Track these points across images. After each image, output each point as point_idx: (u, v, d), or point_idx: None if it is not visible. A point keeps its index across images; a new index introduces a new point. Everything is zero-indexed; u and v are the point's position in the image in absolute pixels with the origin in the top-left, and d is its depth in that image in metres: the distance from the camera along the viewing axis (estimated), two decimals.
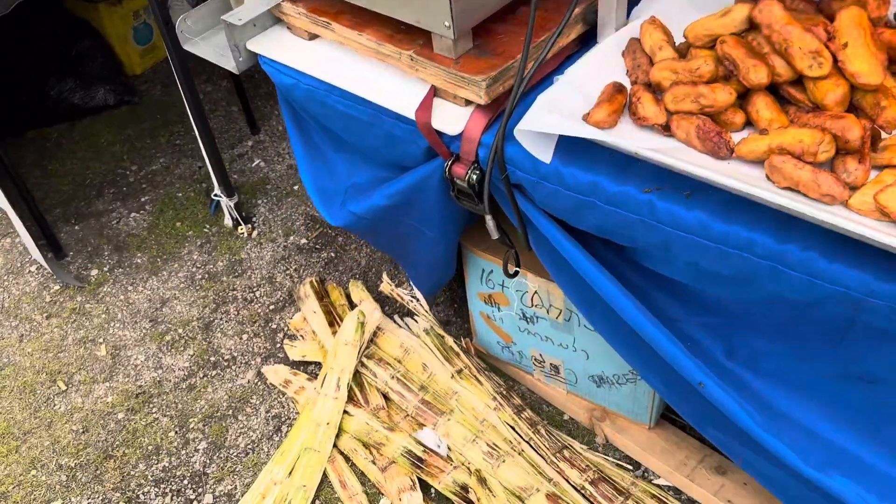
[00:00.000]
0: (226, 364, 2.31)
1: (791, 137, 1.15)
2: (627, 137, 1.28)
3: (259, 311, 2.45)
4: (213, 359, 2.33)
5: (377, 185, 1.73)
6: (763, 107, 1.23)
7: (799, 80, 1.22)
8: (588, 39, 1.55)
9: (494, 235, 1.52)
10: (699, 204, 1.23)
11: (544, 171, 1.37)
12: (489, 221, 1.50)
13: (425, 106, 1.46)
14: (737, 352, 1.41)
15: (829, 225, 1.08)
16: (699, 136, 1.22)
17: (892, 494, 1.26)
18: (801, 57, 1.18)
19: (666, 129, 1.28)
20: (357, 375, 2.12)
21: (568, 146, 1.35)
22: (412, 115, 1.47)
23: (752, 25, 1.26)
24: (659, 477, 1.91)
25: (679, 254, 1.28)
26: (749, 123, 1.26)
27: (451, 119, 1.46)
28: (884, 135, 1.20)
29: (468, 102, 1.46)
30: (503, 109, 1.40)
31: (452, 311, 2.37)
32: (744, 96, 1.27)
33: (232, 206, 2.62)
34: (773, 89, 1.26)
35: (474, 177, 1.46)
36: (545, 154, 1.35)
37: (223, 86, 3.33)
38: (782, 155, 1.14)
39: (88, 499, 2.03)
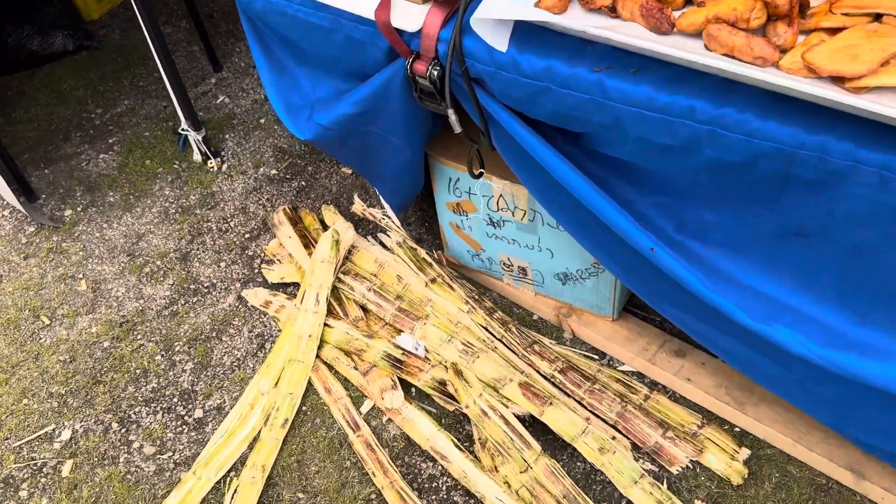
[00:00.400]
0: (206, 291, 2.38)
1: (726, 6, 1.23)
2: (577, 20, 1.35)
3: (235, 239, 2.51)
4: (192, 286, 2.39)
5: (341, 97, 1.79)
6: None
7: None
8: None
9: (457, 129, 1.59)
10: (645, 79, 1.31)
11: (501, 60, 1.43)
12: (451, 115, 1.57)
13: (384, 5, 1.52)
14: (686, 226, 1.51)
15: (762, 83, 1.17)
16: (643, 14, 1.30)
17: (830, 340, 1.38)
18: None
19: (612, 11, 1.35)
20: (335, 291, 2.20)
21: (522, 35, 1.42)
22: (372, 16, 1.52)
23: None
24: (623, 364, 2.03)
25: (629, 130, 1.37)
26: (689, 2, 1.34)
27: (409, 16, 1.51)
28: (813, 3, 1.29)
29: (425, 0, 1.52)
30: (459, 5, 1.46)
31: (424, 230, 2.45)
32: None
33: (200, 140, 2.65)
34: None
35: (435, 73, 1.53)
36: (501, 43, 1.42)
37: (182, 27, 3.32)
38: (718, 24, 1.23)
39: (81, 421, 2.10)
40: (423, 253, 2.24)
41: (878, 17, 1.22)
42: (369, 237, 2.38)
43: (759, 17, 1.22)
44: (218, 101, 2.99)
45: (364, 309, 2.18)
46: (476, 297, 2.17)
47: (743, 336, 1.49)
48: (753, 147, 1.23)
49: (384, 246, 2.32)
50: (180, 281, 2.41)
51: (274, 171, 2.70)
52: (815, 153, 1.19)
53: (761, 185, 1.30)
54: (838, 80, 1.15)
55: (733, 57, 1.22)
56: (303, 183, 2.65)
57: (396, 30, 1.53)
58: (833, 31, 1.22)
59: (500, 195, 1.95)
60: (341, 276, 2.22)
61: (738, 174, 1.30)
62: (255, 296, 2.31)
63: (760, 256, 1.43)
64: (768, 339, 1.39)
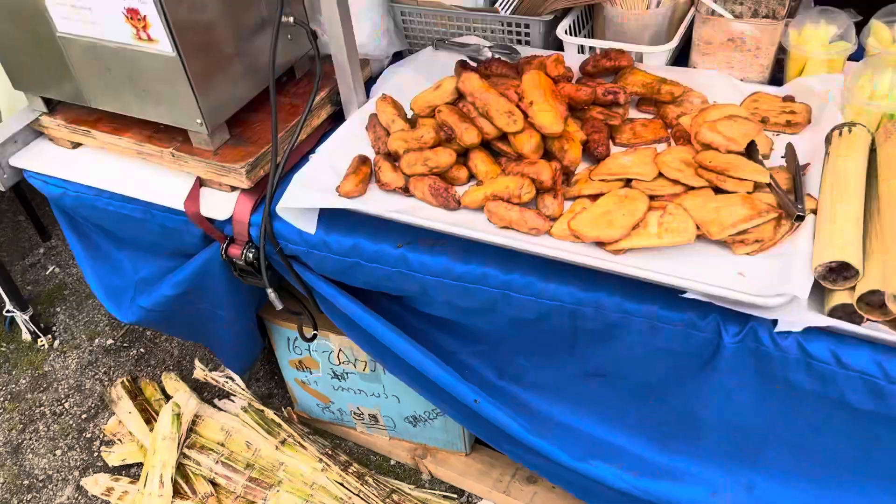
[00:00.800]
0: (41, 485, 2.21)
1: (500, 185, 1.37)
2: (375, 202, 1.45)
3: (71, 422, 2.36)
4: (26, 482, 2.22)
5: (165, 275, 1.79)
6: (480, 162, 1.45)
7: (504, 136, 1.46)
8: (340, 117, 1.73)
9: (278, 306, 1.63)
10: (442, 251, 1.42)
11: (312, 241, 1.51)
12: (271, 294, 1.61)
13: (193, 196, 1.56)
14: (505, 371, 1.61)
15: (536, 253, 1.31)
16: (432, 194, 1.42)
17: (643, 470, 1.48)
18: (499, 117, 1.42)
19: (406, 191, 1.47)
20: (181, 468, 2.11)
21: (329, 216, 1.50)
22: (182, 207, 1.56)
23: (460, 95, 1.49)
24: (481, 499, 2.07)
25: (435, 295, 1.46)
26: (473, 176, 1.48)
27: (219, 205, 1.56)
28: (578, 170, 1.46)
29: (234, 188, 1.58)
30: (266, 193, 1.53)
31: (273, 384, 2.43)
32: (466, 154, 1.49)
33: (27, 319, 2.53)
34: (488, 145, 1.49)
35: (251, 255, 1.57)
36: (309, 226, 1.49)
37: (6, 196, 3.21)
38: (496, 200, 1.36)
39: None
40: (270, 414, 2.21)
41: (628, 182, 1.40)
42: (215, 400, 2.32)
43: (528, 192, 1.36)
44: (48, 272, 2.87)
45: (213, 483, 2.10)
46: (330, 452, 2.15)
47: (567, 468, 1.58)
48: (541, 306, 1.36)
49: (229, 411, 2.27)
50: (12, 478, 2.23)
51: (110, 341, 2.60)
52: (592, 308, 1.32)
53: (556, 336, 1.42)
54: (600, 243, 1.30)
55: (512, 228, 1.35)
56: (142, 350, 2.57)
57: (208, 218, 1.57)
58: (594, 197, 1.39)
59: (340, 350, 1.99)
60: (186, 450, 2.14)
61: (536, 327, 1.42)
62: (96, 483, 2.17)
63: (571, 396, 1.54)
64: (587, 475, 1.48)
